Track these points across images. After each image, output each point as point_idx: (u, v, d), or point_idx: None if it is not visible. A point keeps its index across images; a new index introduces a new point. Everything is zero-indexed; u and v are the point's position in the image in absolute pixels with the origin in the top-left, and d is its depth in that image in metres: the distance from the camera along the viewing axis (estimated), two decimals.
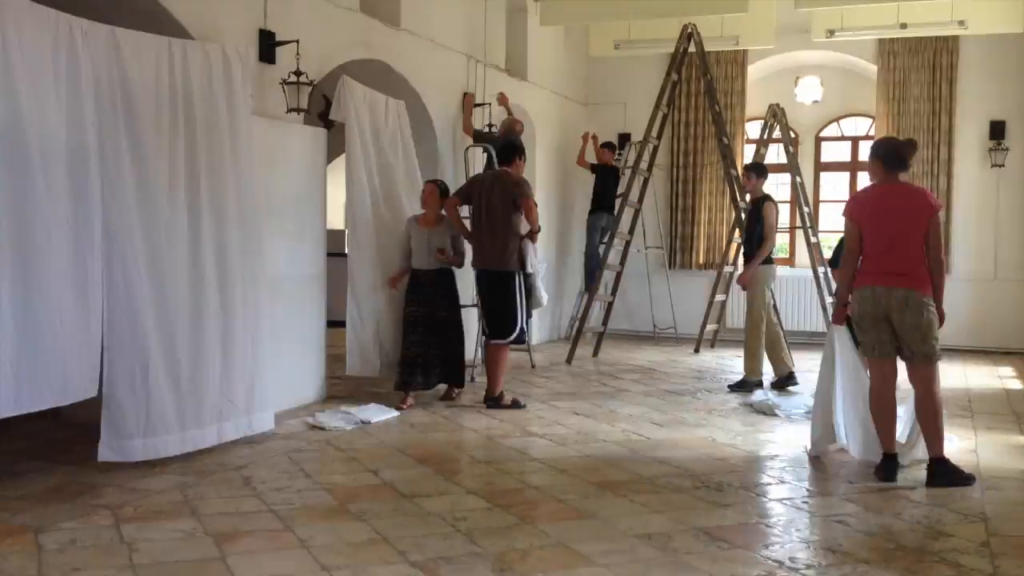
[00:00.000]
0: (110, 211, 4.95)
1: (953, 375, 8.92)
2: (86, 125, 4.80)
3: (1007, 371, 9.30)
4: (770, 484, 5.04)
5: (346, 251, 7.32)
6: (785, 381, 7.99)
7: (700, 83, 11.81)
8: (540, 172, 11.03)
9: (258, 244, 5.88)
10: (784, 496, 4.78)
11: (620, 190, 11.15)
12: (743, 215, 9.27)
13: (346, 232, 7.18)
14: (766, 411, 6.91)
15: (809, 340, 10.42)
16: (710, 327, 10.91)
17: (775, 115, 10.61)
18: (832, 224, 11.77)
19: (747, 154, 12.10)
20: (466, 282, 7.57)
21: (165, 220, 5.26)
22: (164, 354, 5.21)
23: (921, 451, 5.23)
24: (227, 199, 5.69)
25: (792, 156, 10.75)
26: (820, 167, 12.10)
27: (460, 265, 7.18)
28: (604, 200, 10.84)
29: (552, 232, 11.28)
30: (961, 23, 9.91)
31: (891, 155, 5.11)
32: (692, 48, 10.34)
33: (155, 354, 5.14)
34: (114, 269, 4.96)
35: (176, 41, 5.48)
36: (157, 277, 5.19)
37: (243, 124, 5.78)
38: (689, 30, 10.24)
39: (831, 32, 10.43)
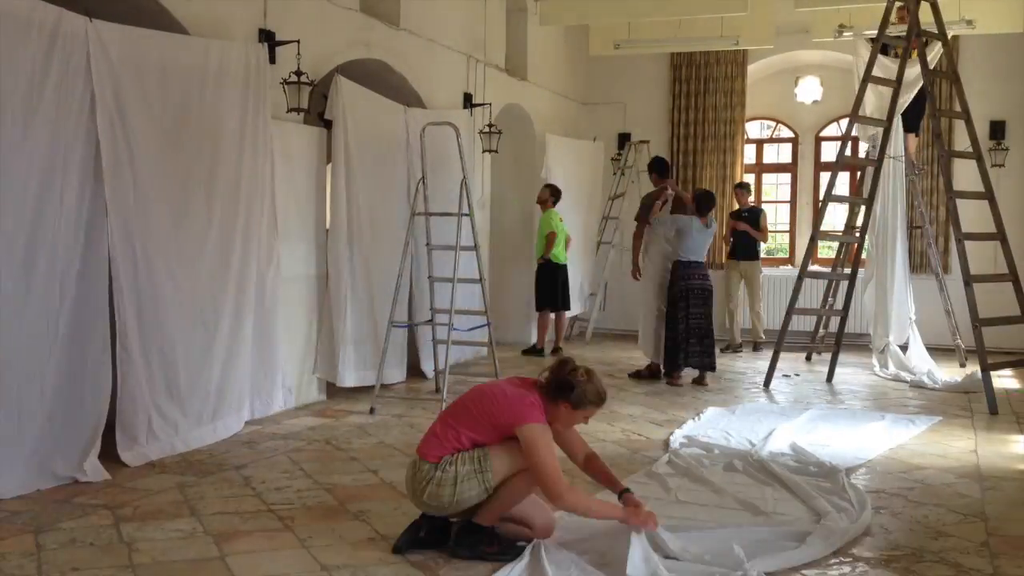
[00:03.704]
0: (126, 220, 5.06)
1: (953, 375, 8.91)
2: (86, 127, 4.79)
3: (1007, 371, 9.28)
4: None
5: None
6: None
7: (700, 83, 11.82)
8: None
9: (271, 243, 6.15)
10: None
11: (621, 190, 11.13)
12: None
13: (327, 231, 7.17)
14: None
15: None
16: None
17: None
18: (834, 223, 11.76)
19: (747, 154, 12.12)
20: None
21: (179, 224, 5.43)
22: (167, 360, 5.40)
23: None
24: (247, 201, 5.94)
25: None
26: (820, 167, 12.09)
27: None
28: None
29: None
30: (968, 22, 9.89)
31: None
32: None
33: (152, 367, 5.32)
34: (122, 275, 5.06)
35: (187, 38, 5.54)
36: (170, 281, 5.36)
37: (260, 124, 5.95)
38: None
39: (840, 29, 10.36)
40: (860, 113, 8.62)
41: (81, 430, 4.81)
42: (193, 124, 5.54)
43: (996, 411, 7.06)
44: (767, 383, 8.21)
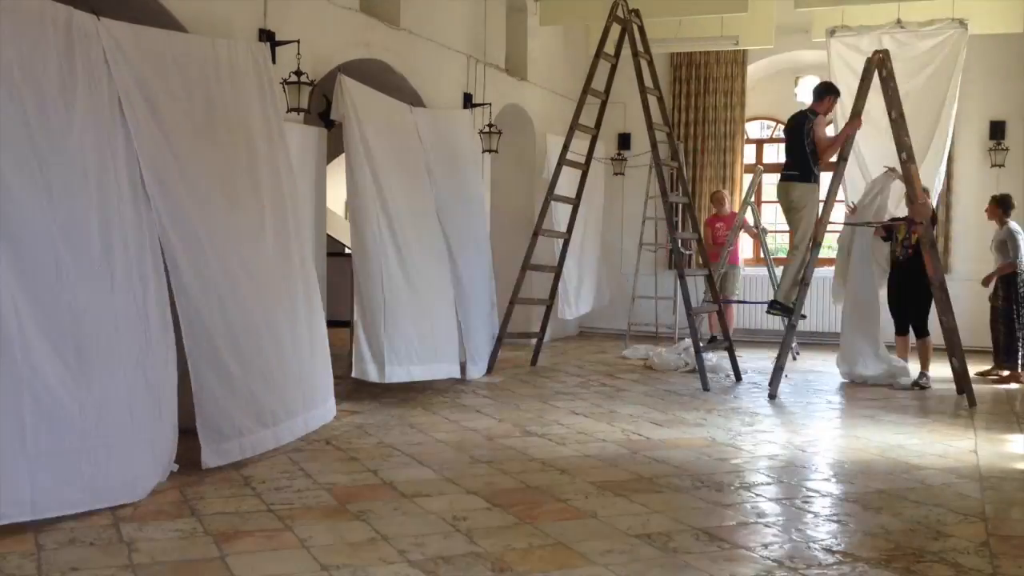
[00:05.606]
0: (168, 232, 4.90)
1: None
2: (120, 118, 4.74)
3: (1006, 371, 9.28)
4: (770, 484, 5.04)
5: (348, 251, 7.29)
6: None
7: (700, 83, 11.82)
8: None
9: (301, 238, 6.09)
10: (784, 496, 4.78)
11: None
12: None
13: (350, 233, 7.16)
14: None
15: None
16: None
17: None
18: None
19: (747, 154, 12.12)
20: None
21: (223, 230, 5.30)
22: (242, 356, 5.27)
23: None
24: (290, 193, 5.94)
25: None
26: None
27: None
28: None
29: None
30: (961, 22, 9.90)
31: None
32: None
33: (231, 357, 5.19)
34: (184, 284, 4.92)
35: (209, 40, 5.56)
36: (227, 281, 5.23)
37: (277, 120, 5.98)
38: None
39: (832, 29, 10.38)
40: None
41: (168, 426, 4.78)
42: (222, 119, 5.47)
43: (975, 403, 7.40)
44: (772, 395, 7.70)
